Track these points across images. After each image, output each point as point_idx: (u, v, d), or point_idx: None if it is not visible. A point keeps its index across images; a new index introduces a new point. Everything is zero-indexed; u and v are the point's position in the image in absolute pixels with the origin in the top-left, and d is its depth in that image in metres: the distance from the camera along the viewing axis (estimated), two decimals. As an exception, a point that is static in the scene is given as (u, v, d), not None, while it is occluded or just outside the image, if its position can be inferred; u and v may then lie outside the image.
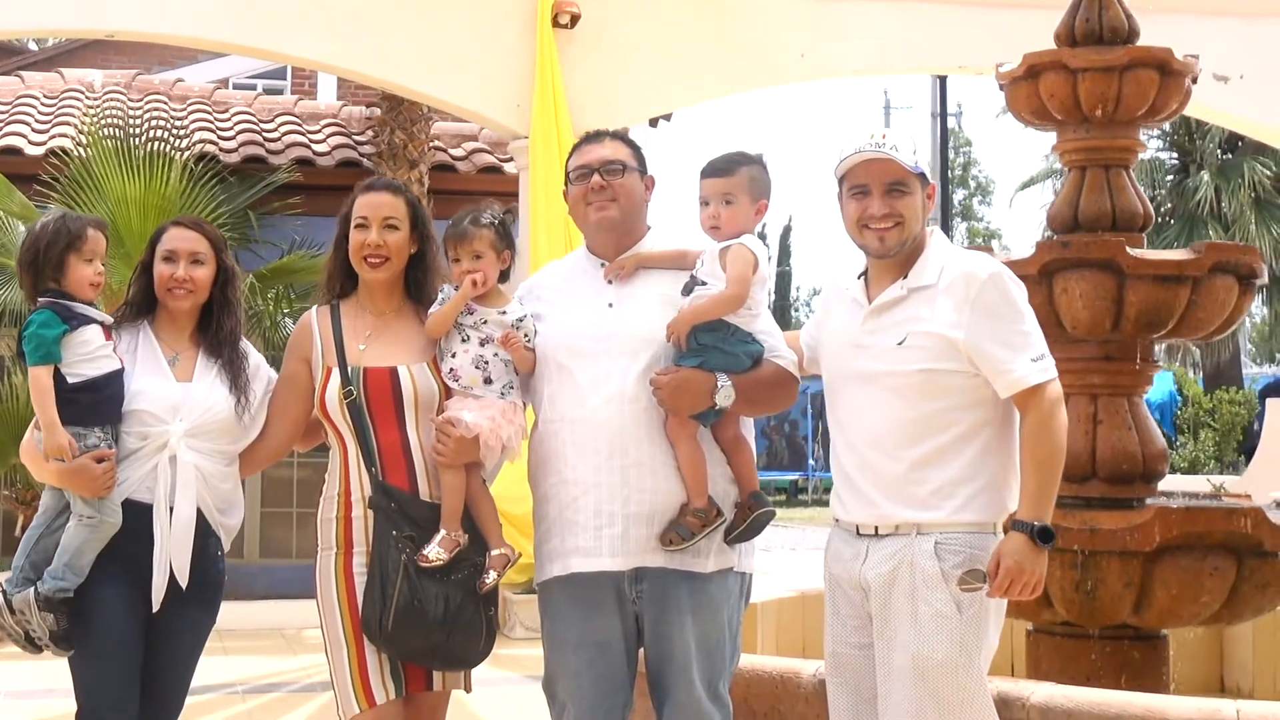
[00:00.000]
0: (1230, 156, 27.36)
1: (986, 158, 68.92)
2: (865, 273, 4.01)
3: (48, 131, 11.79)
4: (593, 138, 4.30)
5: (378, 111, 12.11)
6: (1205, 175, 26.73)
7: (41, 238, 4.24)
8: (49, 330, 4.12)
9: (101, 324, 4.23)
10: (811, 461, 27.77)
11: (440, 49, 10.47)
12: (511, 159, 11.48)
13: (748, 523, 4.05)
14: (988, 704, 3.75)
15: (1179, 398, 21.25)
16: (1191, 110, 7.44)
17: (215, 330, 4.36)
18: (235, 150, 11.79)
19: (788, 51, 11.27)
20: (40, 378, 4.11)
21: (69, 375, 4.12)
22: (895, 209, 3.84)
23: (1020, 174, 57.70)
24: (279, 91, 15.76)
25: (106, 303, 4.68)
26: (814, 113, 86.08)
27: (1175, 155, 27.93)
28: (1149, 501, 5.47)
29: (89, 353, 4.15)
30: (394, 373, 4.12)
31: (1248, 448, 19.91)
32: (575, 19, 10.55)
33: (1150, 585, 5.15)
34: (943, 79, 24.80)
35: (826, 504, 22.04)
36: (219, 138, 12.03)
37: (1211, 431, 20.30)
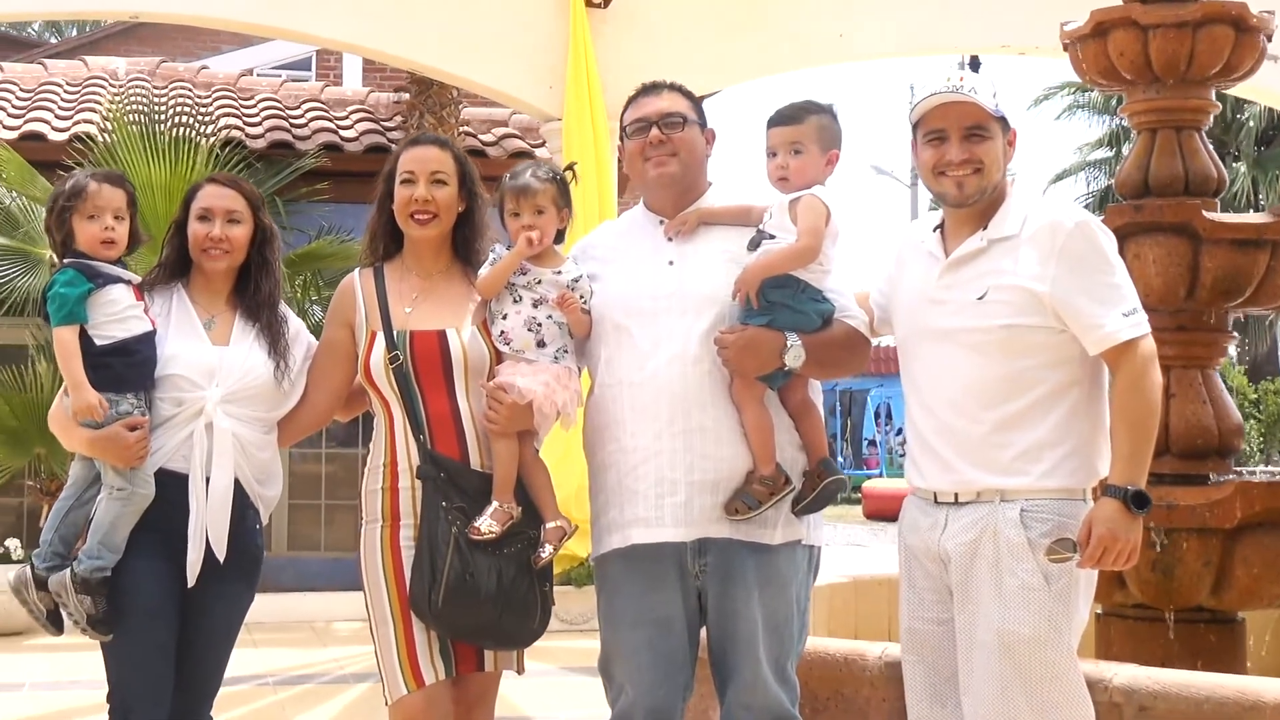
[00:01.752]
0: (1267, 148, 27.04)
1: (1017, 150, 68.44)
2: (941, 224, 3.79)
3: (71, 117, 11.66)
4: (650, 89, 4.10)
5: (406, 97, 11.98)
6: (1242, 167, 26.47)
7: (51, 201, 4.06)
8: (72, 289, 3.90)
9: (130, 283, 4.01)
10: (841, 459, 27.52)
11: (471, 29, 10.32)
12: (543, 143, 11.31)
13: (817, 492, 3.81)
14: (1078, 682, 3.53)
15: (1223, 388, 20.98)
16: (1237, 90, 7.16)
17: (253, 292, 4.14)
18: (261, 136, 11.66)
19: (825, 32, 11.06)
20: (65, 337, 3.89)
21: (97, 337, 3.91)
22: (975, 154, 3.62)
23: (1052, 166, 57.25)
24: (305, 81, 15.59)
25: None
26: (843, 101, 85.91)
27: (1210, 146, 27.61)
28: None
29: (117, 313, 3.94)
30: (442, 336, 3.90)
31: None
32: (609, -2, 10.35)
33: (1230, 564, 4.90)
34: (973, 69, 24.52)
35: (856, 501, 21.73)
36: (245, 124, 11.90)
37: (1257, 423, 19.99)
